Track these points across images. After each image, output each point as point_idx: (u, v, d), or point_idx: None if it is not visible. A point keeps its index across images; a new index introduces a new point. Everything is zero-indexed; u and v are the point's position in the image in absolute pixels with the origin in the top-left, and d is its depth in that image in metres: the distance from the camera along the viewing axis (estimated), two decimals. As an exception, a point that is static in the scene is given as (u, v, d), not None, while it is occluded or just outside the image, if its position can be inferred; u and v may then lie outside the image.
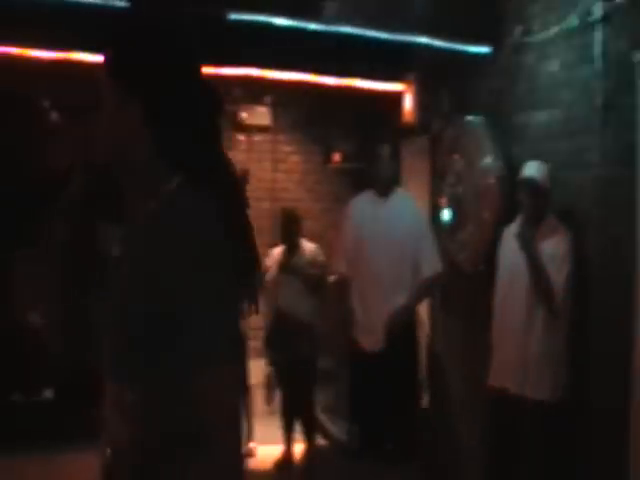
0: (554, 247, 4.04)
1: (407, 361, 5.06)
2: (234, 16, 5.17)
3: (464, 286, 5.38)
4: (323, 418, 6.34)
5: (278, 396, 6.19)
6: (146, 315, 1.50)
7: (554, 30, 4.60)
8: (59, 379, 6.31)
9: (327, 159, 7.64)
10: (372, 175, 5.24)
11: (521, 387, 4.01)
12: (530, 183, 4.14)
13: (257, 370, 6.76)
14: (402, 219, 5.04)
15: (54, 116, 6.89)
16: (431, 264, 5.02)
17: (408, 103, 6.59)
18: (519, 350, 4.04)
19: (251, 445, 6.16)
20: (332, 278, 5.62)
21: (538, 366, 3.96)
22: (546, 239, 4.07)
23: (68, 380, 6.19)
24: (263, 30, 5.78)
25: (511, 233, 4.25)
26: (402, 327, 4.93)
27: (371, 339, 4.98)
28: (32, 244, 6.36)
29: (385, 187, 5.16)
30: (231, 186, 1.67)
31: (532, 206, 4.14)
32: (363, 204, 5.23)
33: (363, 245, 5.06)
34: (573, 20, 4.34)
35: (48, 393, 6.32)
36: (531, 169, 4.19)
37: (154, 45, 1.63)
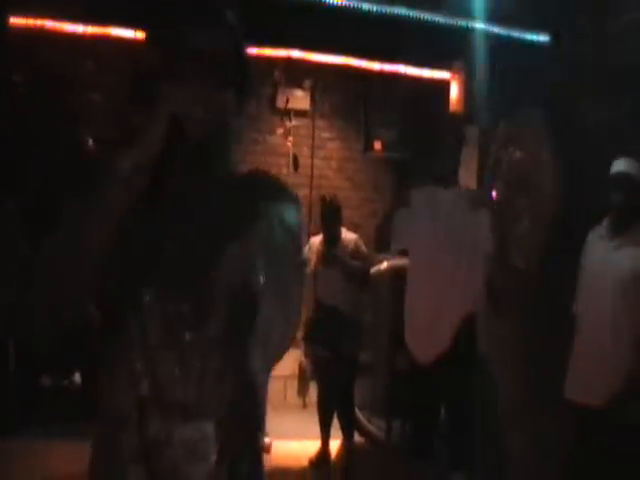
0: None
1: (465, 376, 4.70)
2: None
3: (518, 285, 5.14)
4: (359, 414, 6.15)
5: (312, 390, 6.01)
6: None
7: (623, 18, 4.39)
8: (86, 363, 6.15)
9: (368, 147, 7.42)
10: (434, 166, 4.82)
11: (605, 403, 3.76)
12: (624, 179, 3.85)
13: (291, 361, 6.61)
14: (464, 214, 4.55)
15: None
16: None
17: (455, 92, 6.37)
18: (604, 363, 3.80)
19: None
20: (382, 268, 5.38)
21: (624, 381, 3.72)
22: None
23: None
24: (309, 9, 5.58)
25: (597, 236, 4.01)
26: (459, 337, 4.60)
27: (423, 345, 4.66)
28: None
29: (448, 178, 4.72)
30: None
31: (624, 204, 3.86)
32: (424, 196, 4.82)
33: (421, 242, 4.73)
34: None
35: (77, 377, 6.16)
36: (624, 165, 3.88)
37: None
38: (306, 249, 5.91)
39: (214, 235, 1.53)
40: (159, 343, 1.52)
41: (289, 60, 6.73)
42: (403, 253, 5.05)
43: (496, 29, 5.15)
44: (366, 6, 5.32)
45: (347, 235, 5.74)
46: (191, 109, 1.48)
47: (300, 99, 7.33)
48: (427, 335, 4.59)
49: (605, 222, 4.01)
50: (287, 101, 7.20)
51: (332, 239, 5.67)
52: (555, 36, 4.94)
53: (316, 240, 5.83)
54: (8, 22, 5.93)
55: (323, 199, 5.87)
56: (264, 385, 1.60)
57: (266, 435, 5.93)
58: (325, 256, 5.62)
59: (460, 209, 4.55)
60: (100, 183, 1.45)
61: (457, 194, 4.68)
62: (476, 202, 4.78)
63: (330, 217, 5.71)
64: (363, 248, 5.69)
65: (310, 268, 5.72)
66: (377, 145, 7.32)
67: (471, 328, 4.79)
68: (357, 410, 6.03)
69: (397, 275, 5.55)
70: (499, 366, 5.44)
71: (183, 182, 1.56)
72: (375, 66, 6.61)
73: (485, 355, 5.39)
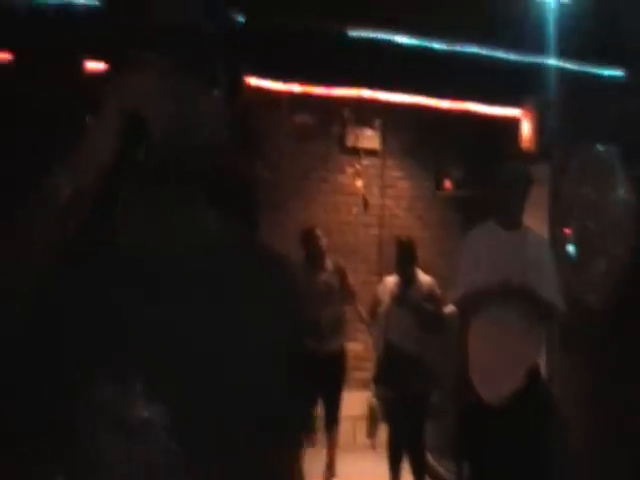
0: None
1: (537, 420, 4.54)
2: (353, 33, 4.99)
3: (592, 327, 5.01)
4: (429, 456, 6.04)
5: (381, 431, 5.94)
6: None
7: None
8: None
9: (438, 185, 7.38)
10: (497, 204, 4.56)
11: None
12: None
13: (360, 402, 6.54)
14: (531, 257, 4.37)
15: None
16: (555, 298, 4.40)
17: (526, 129, 6.29)
18: None
19: None
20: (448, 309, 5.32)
21: None
22: None
23: None
24: (380, 49, 5.60)
25: None
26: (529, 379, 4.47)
27: (492, 388, 4.53)
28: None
29: (512, 219, 4.49)
30: None
31: None
32: (484, 237, 4.58)
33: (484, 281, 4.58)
34: None
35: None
36: None
37: None
38: (379, 289, 5.89)
39: (196, 306, 1.09)
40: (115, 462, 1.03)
41: (359, 99, 6.76)
42: None
43: (568, 64, 5.08)
44: (436, 45, 5.32)
45: (422, 277, 5.70)
46: (151, 101, 1.01)
47: (370, 138, 7.35)
48: (495, 374, 4.48)
49: None
50: (356, 139, 7.22)
51: (408, 281, 5.64)
52: (629, 69, 4.85)
53: (390, 280, 5.81)
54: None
55: (399, 241, 5.84)
56: None
57: (336, 476, 5.91)
58: (399, 297, 5.58)
59: (524, 250, 4.42)
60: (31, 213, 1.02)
61: (521, 235, 4.52)
62: (539, 243, 4.65)
63: (406, 259, 5.68)
64: (438, 291, 5.62)
65: (382, 309, 5.68)
66: (447, 184, 7.29)
67: (539, 369, 4.68)
68: (427, 452, 5.93)
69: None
70: (571, 405, 5.29)
71: (144, 224, 1.07)
72: (445, 104, 6.58)
73: (557, 395, 5.26)
